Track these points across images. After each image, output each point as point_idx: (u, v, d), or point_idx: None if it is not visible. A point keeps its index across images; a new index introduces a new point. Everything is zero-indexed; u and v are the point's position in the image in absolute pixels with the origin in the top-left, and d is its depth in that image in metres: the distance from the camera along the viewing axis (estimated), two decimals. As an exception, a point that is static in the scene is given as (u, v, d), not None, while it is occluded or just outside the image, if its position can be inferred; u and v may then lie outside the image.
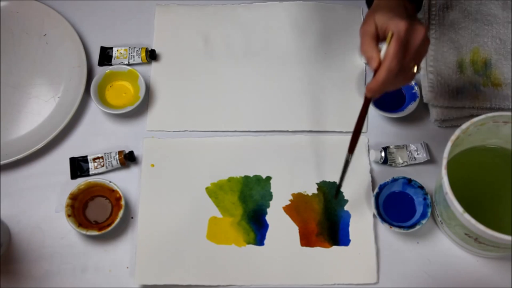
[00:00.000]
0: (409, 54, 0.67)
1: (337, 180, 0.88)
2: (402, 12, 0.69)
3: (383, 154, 0.88)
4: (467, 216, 0.72)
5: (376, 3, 0.72)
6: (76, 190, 0.85)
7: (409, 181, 0.84)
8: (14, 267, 0.84)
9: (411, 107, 0.90)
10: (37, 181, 0.89)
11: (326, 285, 0.83)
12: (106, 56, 0.97)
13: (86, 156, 0.90)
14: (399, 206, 0.85)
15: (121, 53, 0.96)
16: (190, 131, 0.92)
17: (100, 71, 0.93)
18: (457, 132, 0.76)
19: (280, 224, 0.86)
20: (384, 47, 0.68)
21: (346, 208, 0.87)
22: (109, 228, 0.83)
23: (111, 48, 0.97)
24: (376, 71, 0.68)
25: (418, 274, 0.83)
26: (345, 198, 0.87)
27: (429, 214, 0.82)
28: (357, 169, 0.89)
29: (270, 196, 0.88)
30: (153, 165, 0.89)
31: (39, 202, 0.87)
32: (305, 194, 0.88)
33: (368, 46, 0.68)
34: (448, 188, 0.73)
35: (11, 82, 0.95)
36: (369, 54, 0.68)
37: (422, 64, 0.92)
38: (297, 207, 0.87)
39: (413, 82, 0.91)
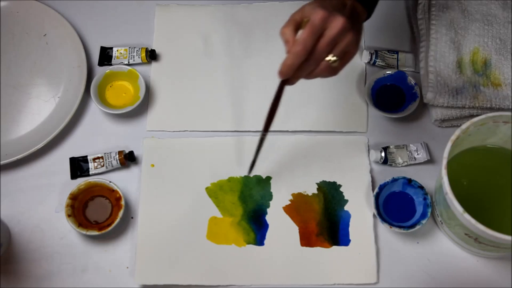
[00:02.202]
0: (322, 43, 0.68)
1: (337, 180, 0.88)
2: (335, 7, 0.70)
3: (383, 154, 0.88)
4: (467, 216, 0.72)
5: None
6: (76, 190, 0.85)
7: (409, 181, 0.84)
8: (14, 267, 0.84)
9: (411, 107, 0.90)
10: (37, 181, 0.89)
11: (326, 285, 0.83)
12: (106, 56, 0.97)
13: (86, 156, 0.90)
14: (399, 206, 0.85)
15: (121, 53, 0.96)
16: (190, 131, 0.92)
17: (100, 71, 0.93)
18: (457, 132, 0.76)
19: (280, 224, 0.86)
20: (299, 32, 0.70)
21: (346, 208, 0.87)
22: (109, 228, 0.83)
23: (111, 48, 0.97)
24: None
25: (418, 274, 0.83)
26: (345, 198, 0.87)
27: (429, 214, 0.82)
28: (357, 169, 0.89)
29: (270, 196, 0.88)
30: (153, 165, 0.89)
31: (39, 202, 0.87)
32: (305, 194, 0.88)
33: (287, 29, 0.70)
34: (448, 188, 0.73)
35: (11, 82, 0.95)
36: (285, 37, 0.70)
37: (422, 64, 0.92)
38: (297, 207, 0.87)
39: (413, 82, 0.91)
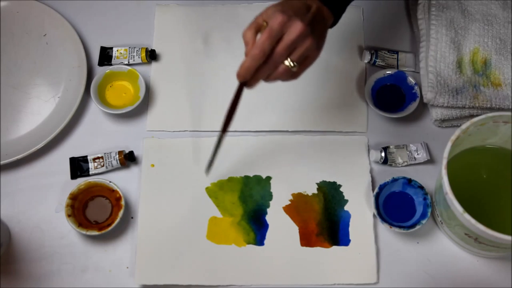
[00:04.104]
0: (280, 47, 0.68)
1: (337, 180, 0.88)
2: (297, 10, 0.70)
3: (383, 154, 0.88)
4: (467, 216, 0.72)
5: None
6: (76, 190, 0.85)
7: (409, 181, 0.84)
8: (14, 267, 0.84)
9: (411, 107, 0.90)
10: (37, 181, 0.89)
11: (326, 285, 0.83)
12: (106, 56, 0.97)
13: (86, 156, 0.90)
14: (399, 206, 0.85)
15: (121, 53, 0.96)
16: (190, 131, 0.92)
17: (100, 71, 0.93)
18: (457, 132, 0.76)
19: (280, 224, 0.86)
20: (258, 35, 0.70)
21: (346, 208, 0.87)
22: (109, 228, 0.83)
23: (111, 48, 0.97)
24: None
25: (418, 274, 0.83)
26: (345, 198, 0.87)
27: (429, 214, 0.82)
28: (357, 169, 0.89)
29: (270, 196, 0.88)
30: (153, 165, 0.89)
31: (39, 202, 0.87)
32: (305, 194, 0.88)
33: (248, 31, 0.70)
34: (448, 188, 0.73)
35: (11, 82, 0.95)
36: (246, 39, 0.70)
37: (422, 64, 0.92)
38: (297, 207, 0.87)
39: (413, 82, 0.91)
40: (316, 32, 0.70)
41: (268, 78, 0.72)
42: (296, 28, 0.68)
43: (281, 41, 0.68)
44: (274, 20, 0.67)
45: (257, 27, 0.70)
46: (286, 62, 0.70)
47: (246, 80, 0.71)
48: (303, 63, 0.71)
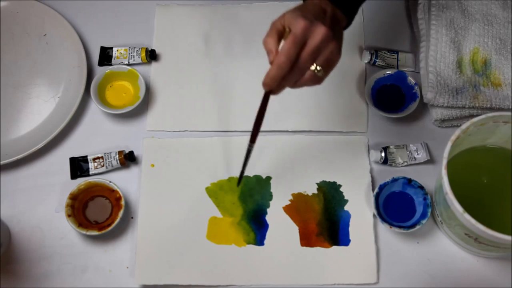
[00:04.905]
0: (306, 53, 0.68)
1: (337, 180, 0.88)
2: (316, 14, 0.69)
3: (383, 154, 0.88)
4: (467, 216, 0.72)
5: (299, 4, 0.73)
6: (76, 190, 0.85)
7: (409, 181, 0.84)
8: (14, 267, 0.84)
9: (411, 107, 0.90)
10: (37, 181, 0.89)
11: (326, 285, 0.83)
12: (106, 56, 0.97)
13: (86, 156, 0.90)
14: (399, 206, 0.85)
15: (121, 53, 0.96)
16: (190, 131, 0.92)
17: (100, 71, 0.93)
18: (457, 132, 0.76)
19: (280, 224, 0.86)
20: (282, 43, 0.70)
21: (346, 208, 0.87)
22: (109, 228, 0.83)
23: (111, 48, 0.97)
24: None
25: (418, 274, 0.83)
26: (345, 198, 0.87)
27: (429, 214, 0.82)
28: (357, 169, 0.89)
29: (270, 196, 0.88)
30: (153, 165, 0.89)
31: (39, 202, 0.87)
32: (305, 194, 0.88)
33: (270, 39, 0.70)
34: (448, 188, 0.73)
35: (11, 82, 0.95)
36: (268, 47, 0.69)
37: (422, 64, 0.92)
38: (297, 207, 0.87)
39: (413, 82, 0.91)
40: (336, 35, 0.70)
41: (294, 85, 0.71)
42: (320, 32, 0.67)
43: (306, 46, 0.67)
44: (297, 26, 0.67)
45: (278, 33, 0.69)
46: (312, 67, 0.69)
47: (272, 89, 0.70)
48: (327, 66, 0.70)
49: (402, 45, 0.98)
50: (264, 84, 0.70)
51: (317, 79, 0.70)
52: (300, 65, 0.68)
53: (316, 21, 0.67)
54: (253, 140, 0.78)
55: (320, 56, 0.68)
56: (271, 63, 0.69)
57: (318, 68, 0.69)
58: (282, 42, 0.69)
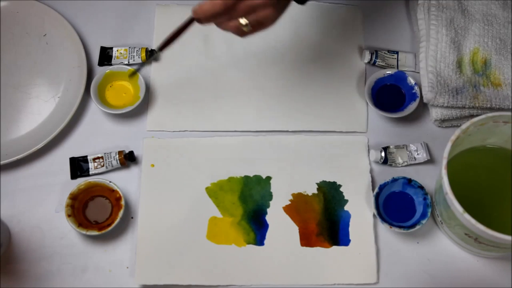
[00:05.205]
0: (242, 6, 0.70)
1: (337, 180, 0.88)
2: None
3: (383, 154, 0.88)
4: (467, 216, 0.72)
5: None
6: (76, 190, 0.85)
7: (409, 181, 0.84)
8: (14, 267, 0.84)
9: (411, 107, 0.90)
10: (37, 181, 0.89)
11: (326, 285, 0.83)
12: (106, 56, 0.97)
13: (86, 156, 0.90)
14: (399, 206, 0.85)
15: (121, 53, 0.96)
16: (190, 131, 0.92)
17: (100, 71, 0.93)
18: (457, 132, 0.76)
19: (280, 224, 0.86)
20: None
21: (346, 208, 0.87)
22: (109, 228, 0.83)
23: (111, 48, 0.97)
24: None
25: (418, 274, 0.83)
26: (345, 198, 0.87)
27: (429, 214, 0.82)
28: (357, 169, 0.89)
29: (270, 196, 0.88)
30: (153, 165, 0.89)
31: (39, 202, 0.87)
32: (305, 194, 0.88)
33: None
34: (448, 188, 0.73)
35: (11, 82, 0.95)
36: None
37: (422, 64, 0.92)
38: (297, 207, 0.87)
39: (413, 82, 0.91)
40: (279, 4, 0.72)
41: (218, 25, 0.74)
42: None
43: (245, 0, 0.70)
44: None
45: None
46: (241, 21, 0.72)
47: (200, 20, 0.73)
48: (256, 27, 0.73)
49: (402, 45, 0.98)
50: (194, 12, 0.73)
51: (241, 32, 0.73)
52: (231, 12, 0.71)
53: None
54: (160, 49, 0.81)
55: (253, 14, 0.71)
56: None
57: (245, 22, 0.72)
58: None
